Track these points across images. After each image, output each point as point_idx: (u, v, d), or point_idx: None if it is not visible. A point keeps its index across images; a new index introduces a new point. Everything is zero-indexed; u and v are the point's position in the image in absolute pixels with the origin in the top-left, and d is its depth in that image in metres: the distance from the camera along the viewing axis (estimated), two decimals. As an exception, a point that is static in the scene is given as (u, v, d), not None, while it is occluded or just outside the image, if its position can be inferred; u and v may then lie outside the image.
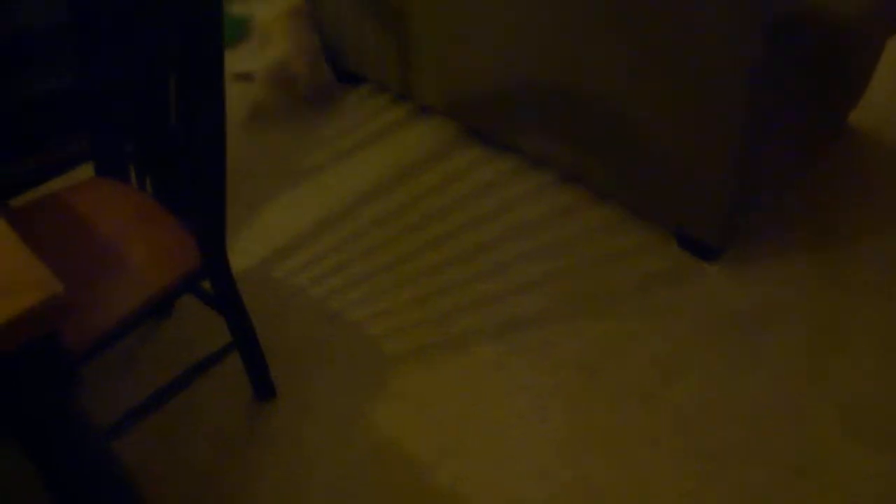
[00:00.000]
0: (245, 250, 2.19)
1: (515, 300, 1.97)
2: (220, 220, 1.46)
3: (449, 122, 2.58)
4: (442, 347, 1.87)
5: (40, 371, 0.93)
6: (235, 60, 2.98)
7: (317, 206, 2.31)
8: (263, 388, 1.80)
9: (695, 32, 1.71)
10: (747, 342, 1.85)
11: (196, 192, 1.41)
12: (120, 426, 1.48)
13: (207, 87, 1.29)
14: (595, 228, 2.16)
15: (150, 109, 1.51)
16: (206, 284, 1.57)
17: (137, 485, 1.31)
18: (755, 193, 2.07)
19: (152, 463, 1.70)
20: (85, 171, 2.36)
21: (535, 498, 1.58)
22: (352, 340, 1.91)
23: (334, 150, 2.52)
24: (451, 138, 2.52)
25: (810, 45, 1.83)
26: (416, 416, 1.74)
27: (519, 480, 1.61)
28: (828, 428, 1.66)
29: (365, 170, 2.42)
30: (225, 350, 1.65)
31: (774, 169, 2.17)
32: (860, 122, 2.53)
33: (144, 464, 1.70)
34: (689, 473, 1.60)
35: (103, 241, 1.50)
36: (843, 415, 1.68)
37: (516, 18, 2.04)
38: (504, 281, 2.02)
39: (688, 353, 1.83)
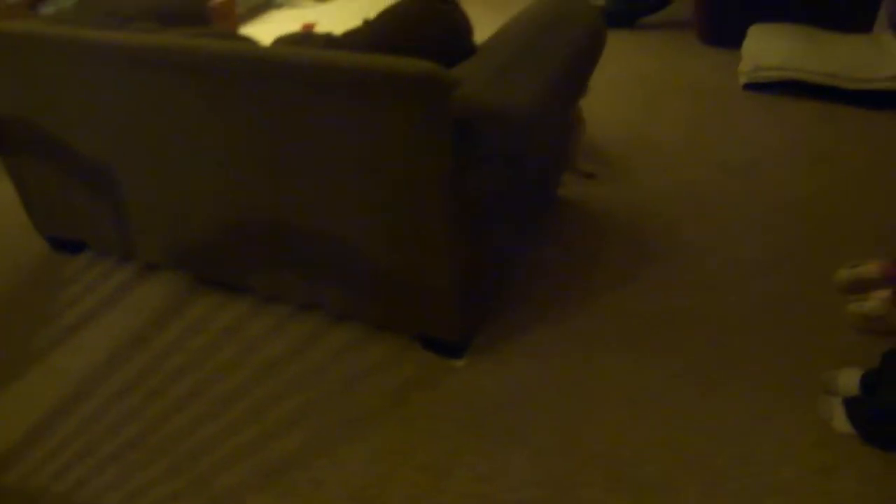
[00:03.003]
0: (-30, 462, 1.96)
1: (275, 444, 1.91)
2: None
3: (178, 275, 2.50)
4: (207, 513, 1.77)
5: None
6: None
7: (50, 393, 2.12)
8: None
9: (387, 151, 1.79)
10: (507, 426, 1.91)
11: None
12: None
13: None
14: (340, 351, 2.16)
15: None
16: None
17: None
18: (483, 282, 2.17)
19: None
20: None
21: None
22: (107, 533, 1.76)
23: (60, 328, 2.35)
24: (184, 290, 2.44)
25: (498, 141, 1.97)
26: None
27: None
28: (594, 491, 1.74)
29: (97, 342, 2.28)
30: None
31: (497, 255, 2.30)
32: (567, 194, 2.78)
33: None
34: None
35: None
36: (606, 474, 1.77)
37: (217, 165, 2.04)
38: (260, 426, 1.96)
39: (453, 451, 1.85)
